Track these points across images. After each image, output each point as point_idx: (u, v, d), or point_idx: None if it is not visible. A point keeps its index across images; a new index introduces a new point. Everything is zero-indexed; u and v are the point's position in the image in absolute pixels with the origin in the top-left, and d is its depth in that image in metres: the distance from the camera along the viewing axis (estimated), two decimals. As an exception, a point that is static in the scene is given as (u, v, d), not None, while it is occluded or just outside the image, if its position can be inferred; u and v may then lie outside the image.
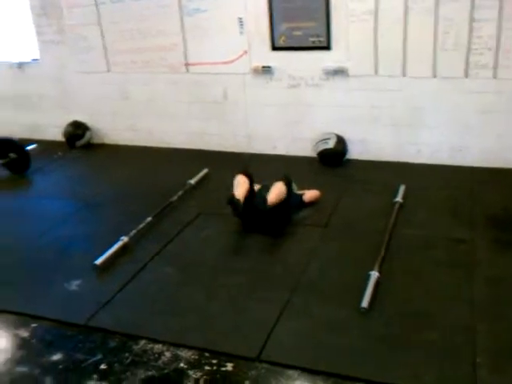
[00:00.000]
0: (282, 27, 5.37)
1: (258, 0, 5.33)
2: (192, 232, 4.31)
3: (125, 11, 5.89)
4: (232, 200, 3.94)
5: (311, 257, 3.85)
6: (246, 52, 5.58)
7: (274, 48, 5.48)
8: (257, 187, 4.62)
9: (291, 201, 4.32)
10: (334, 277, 3.60)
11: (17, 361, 3.10)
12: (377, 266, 3.52)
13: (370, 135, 5.42)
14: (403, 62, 5.07)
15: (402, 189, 4.66)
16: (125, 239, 4.13)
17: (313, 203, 4.58)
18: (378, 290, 3.35)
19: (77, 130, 6.42)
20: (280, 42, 5.46)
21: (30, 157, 5.80)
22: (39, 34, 6.35)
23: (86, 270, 3.84)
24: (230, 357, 2.95)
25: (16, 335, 3.31)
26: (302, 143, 5.64)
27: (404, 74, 5.11)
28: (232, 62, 5.67)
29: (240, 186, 4.11)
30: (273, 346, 3.01)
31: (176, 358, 2.99)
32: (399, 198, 4.52)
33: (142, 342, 3.13)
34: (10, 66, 6.68)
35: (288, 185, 4.19)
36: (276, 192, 4.05)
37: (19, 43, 6.70)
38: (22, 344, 3.23)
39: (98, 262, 3.87)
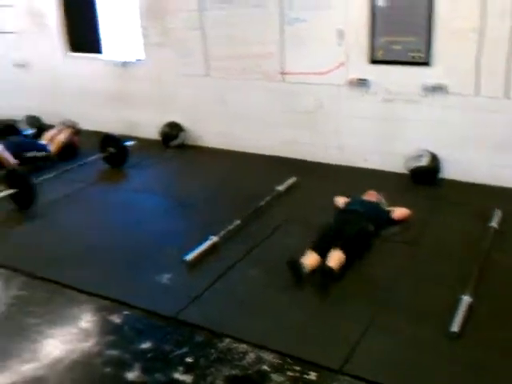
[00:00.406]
0: (381, 40, 5.34)
1: (359, 12, 5.33)
2: (279, 238, 4.36)
3: (226, 18, 6.06)
4: (294, 264, 3.74)
5: (399, 274, 3.80)
6: (342, 64, 5.58)
7: (372, 61, 5.45)
8: (344, 200, 4.61)
9: (380, 218, 4.33)
10: (422, 296, 3.53)
11: (108, 344, 3.27)
12: (469, 291, 3.41)
13: (466, 156, 5.26)
14: (506, 84, 4.89)
15: (497, 214, 4.48)
16: (214, 239, 4.24)
17: (402, 221, 4.50)
18: (470, 316, 3.24)
19: (172, 131, 6.66)
20: (378, 56, 5.42)
21: (127, 152, 6.08)
22: (145, 36, 6.65)
23: (176, 265, 3.99)
24: (313, 365, 2.97)
25: (109, 320, 3.49)
26: (393, 158, 5.55)
27: (507, 96, 4.93)
28: (328, 72, 5.69)
29: (310, 258, 3.86)
30: (356, 360, 2.99)
31: (259, 360, 3.04)
32: (494, 223, 4.35)
33: (227, 341, 3.20)
34: (115, 64, 7.04)
35: (347, 249, 3.87)
36: (335, 261, 3.78)
37: (126, 44, 7.04)
38: (114, 329, 3.40)
39: (188, 258, 4.01)
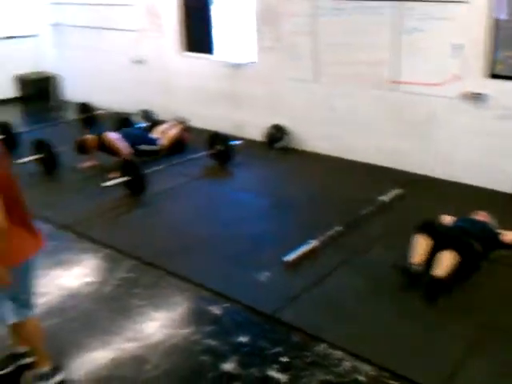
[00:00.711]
0: (501, 55, 5.10)
1: (479, 26, 5.11)
2: (380, 248, 4.28)
3: (339, 24, 6.05)
4: (402, 266, 3.72)
5: (509, 298, 3.61)
6: (458, 76, 5.39)
7: (489, 75, 5.22)
8: (449, 219, 4.44)
9: (488, 238, 4.12)
10: (533, 325, 3.34)
11: (207, 334, 3.36)
12: None
13: None
14: None
15: None
16: (314, 242, 4.25)
17: (513, 245, 4.26)
18: None
19: (277, 133, 6.75)
20: (497, 70, 5.19)
21: (233, 151, 6.23)
22: (259, 39, 6.79)
23: (275, 264, 4.03)
24: (411, 382, 2.89)
25: (209, 311, 3.59)
26: (505, 178, 5.26)
27: None
28: (442, 84, 5.52)
29: (419, 249, 3.83)
30: (459, 383, 2.88)
31: (355, 370, 3.00)
32: None
33: (323, 345, 3.19)
34: (227, 65, 7.24)
35: (463, 250, 3.78)
36: (445, 264, 3.67)
37: (238, 46, 7.23)
38: (214, 320, 3.50)
39: (287, 259, 4.04)
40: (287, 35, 6.52)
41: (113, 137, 6.10)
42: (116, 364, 3.15)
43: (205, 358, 3.16)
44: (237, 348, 3.22)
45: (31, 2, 9.61)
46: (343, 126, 6.34)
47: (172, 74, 7.86)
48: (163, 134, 6.59)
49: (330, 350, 3.15)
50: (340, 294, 3.71)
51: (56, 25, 9.38)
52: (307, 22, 6.29)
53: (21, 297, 2.85)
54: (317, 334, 3.28)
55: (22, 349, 3.11)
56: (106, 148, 6.06)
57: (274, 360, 3.10)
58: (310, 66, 6.43)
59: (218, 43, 7.36)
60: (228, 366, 3.07)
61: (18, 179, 2.81)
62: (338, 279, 3.88)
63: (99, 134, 6.14)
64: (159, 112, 7.71)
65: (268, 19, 6.64)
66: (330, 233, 4.42)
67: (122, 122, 7.29)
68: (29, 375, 2.99)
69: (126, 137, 6.23)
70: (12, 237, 2.65)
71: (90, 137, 6.13)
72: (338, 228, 4.50)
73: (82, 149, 6.08)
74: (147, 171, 5.52)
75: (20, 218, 2.78)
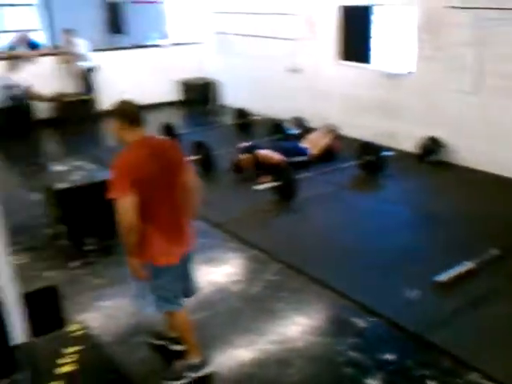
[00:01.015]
0: None
1: None
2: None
3: (506, 35, 5.63)
4: None
5: None
6: None
7: None
8: None
9: None
10: None
11: (351, 346, 3.31)
12: None
13: None
14: None
15: None
16: (468, 265, 4.00)
17: None
18: None
19: (433, 146, 6.47)
20: None
21: (385, 162, 6.09)
22: (420, 48, 6.57)
23: (423, 282, 3.87)
24: None
25: (353, 323, 3.54)
26: None
27: None
28: None
29: None
30: None
31: (511, 405, 2.78)
32: None
33: (475, 374, 3.00)
34: (383, 75, 7.10)
35: None
36: None
37: (396, 56, 7.06)
38: (358, 333, 3.44)
39: (440, 278, 3.86)
40: (449, 45, 6.23)
41: (266, 152, 6.26)
42: (258, 364, 3.22)
43: (348, 370, 3.12)
44: (382, 365, 3.13)
45: (197, 12, 10.25)
46: (504, 141, 5.90)
47: (327, 83, 7.89)
48: (314, 143, 6.61)
49: (482, 380, 2.95)
50: (496, 322, 3.45)
51: (219, 33, 9.90)
52: (471, 32, 5.97)
53: (161, 293, 2.99)
54: (469, 362, 3.08)
55: (171, 333, 3.30)
56: (261, 165, 6.21)
57: (421, 382, 2.97)
58: (471, 78, 6.08)
59: (376, 53, 7.25)
60: (372, 383, 3.00)
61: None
62: (495, 306, 3.61)
63: (252, 153, 6.28)
64: (311, 119, 7.77)
65: (430, 29, 6.41)
66: (486, 256, 4.14)
67: (275, 128, 7.47)
68: (178, 364, 3.14)
69: (278, 150, 6.32)
70: (146, 236, 2.82)
71: (244, 157, 6.31)
72: (495, 251, 4.19)
73: (239, 169, 6.32)
74: (297, 177, 5.60)
75: (162, 222, 2.90)
